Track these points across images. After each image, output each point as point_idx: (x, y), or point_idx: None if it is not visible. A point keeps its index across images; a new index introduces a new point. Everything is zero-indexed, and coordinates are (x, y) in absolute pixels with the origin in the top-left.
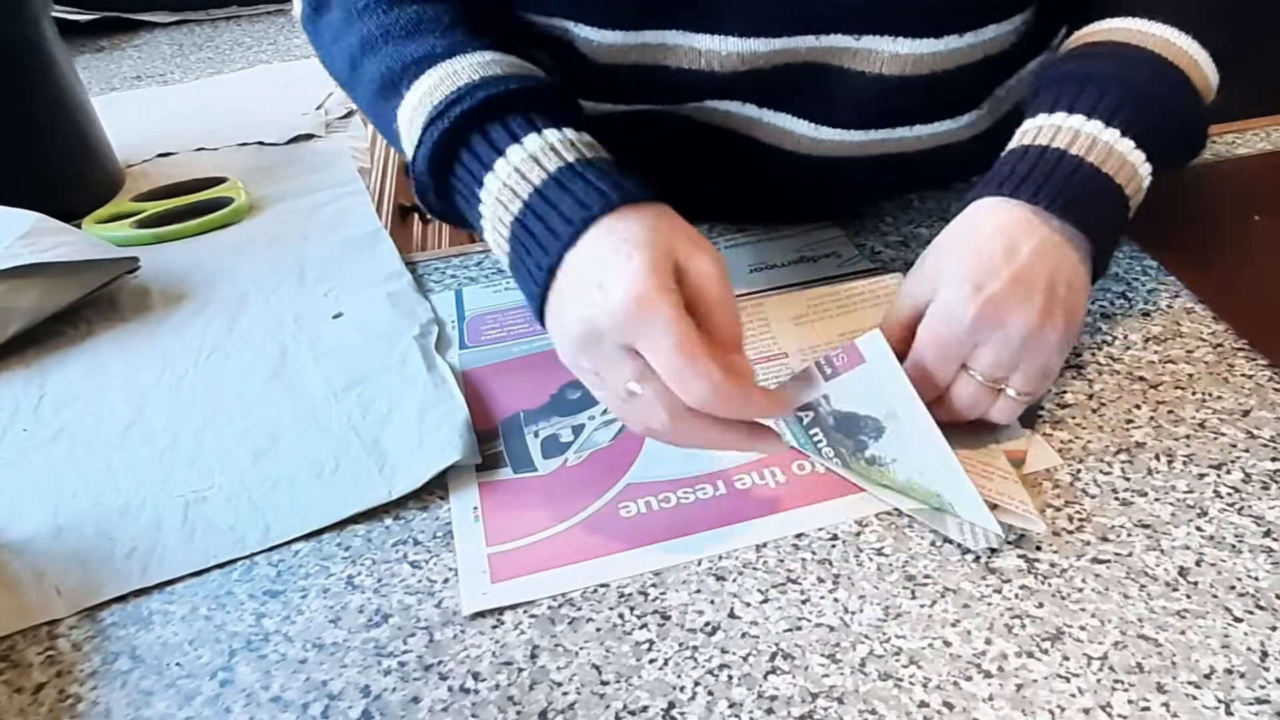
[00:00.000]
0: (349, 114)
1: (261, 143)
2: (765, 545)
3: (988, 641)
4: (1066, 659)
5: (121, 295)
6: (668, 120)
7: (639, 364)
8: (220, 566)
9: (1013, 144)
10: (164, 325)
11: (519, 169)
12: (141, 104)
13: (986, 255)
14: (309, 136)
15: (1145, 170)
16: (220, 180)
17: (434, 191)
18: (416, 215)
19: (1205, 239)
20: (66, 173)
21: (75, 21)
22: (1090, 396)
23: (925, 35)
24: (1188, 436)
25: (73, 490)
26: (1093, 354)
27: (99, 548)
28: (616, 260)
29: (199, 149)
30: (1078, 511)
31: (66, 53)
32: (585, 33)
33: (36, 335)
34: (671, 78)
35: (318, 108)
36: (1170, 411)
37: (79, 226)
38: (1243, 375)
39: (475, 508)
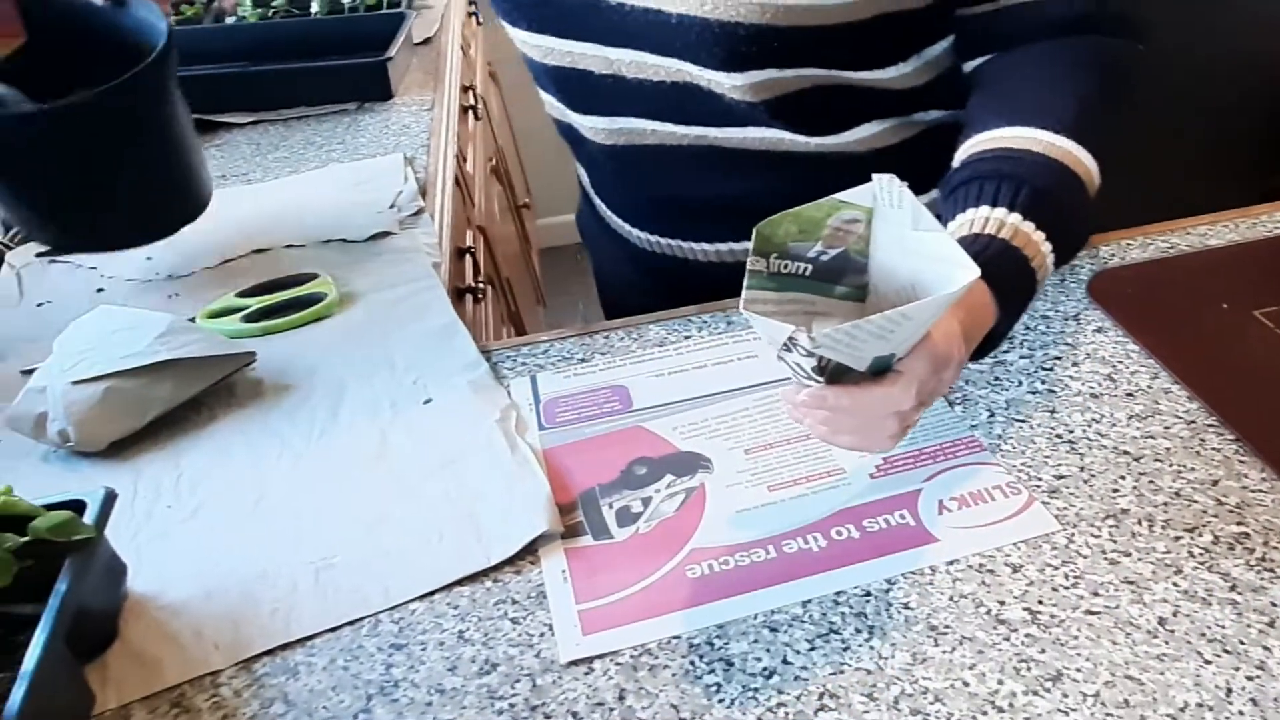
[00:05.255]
0: (419, 211)
1: (344, 240)
2: (810, 601)
3: (1000, 682)
4: (1065, 696)
5: (239, 384)
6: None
7: None
8: (350, 624)
9: (960, 231)
10: (276, 411)
11: None
12: (231, 202)
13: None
14: (386, 234)
15: (1047, 248)
16: (312, 276)
17: None
18: (470, 295)
19: (1181, 324)
20: None
21: None
22: (1082, 469)
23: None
24: (1165, 504)
25: (215, 559)
26: (1084, 430)
27: (245, 608)
28: None
29: (289, 245)
30: (1073, 570)
31: None
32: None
33: (170, 421)
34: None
35: (391, 205)
36: (1151, 481)
37: (194, 319)
38: (1212, 449)
39: (563, 570)
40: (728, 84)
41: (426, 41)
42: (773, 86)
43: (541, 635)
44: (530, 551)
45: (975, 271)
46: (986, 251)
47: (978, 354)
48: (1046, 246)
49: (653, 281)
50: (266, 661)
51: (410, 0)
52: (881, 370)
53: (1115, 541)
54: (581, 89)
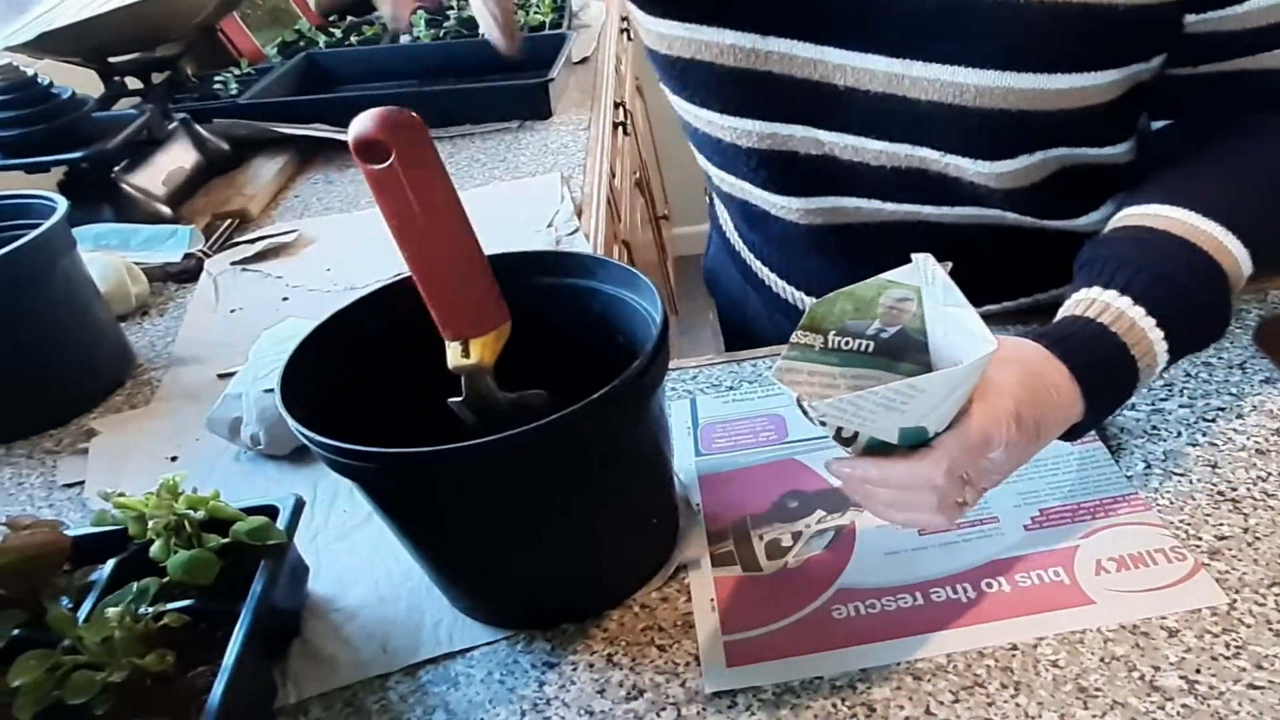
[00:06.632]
0: (574, 231)
1: None
2: (954, 652)
3: None
4: None
5: None
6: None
7: None
8: (507, 639)
9: (1064, 313)
10: None
11: None
12: None
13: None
14: None
15: (1157, 336)
16: None
17: None
18: None
19: None
20: None
21: None
22: (1246, 530)
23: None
24: None
25: (387, 565)
26: (1248, 489)
27: (412, 617)
28: None
29: None
30: (1234, 639)
31: None
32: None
33: None
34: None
35: (548, 225)
36: None
37: None
38: None
39: (711, 600)
40: (972, 170)
41: (584, 60)
42: (1022, 174)
43: (687, 665)
44: (678, 579)
45: (992, 345)
46: (1078, 335)
47: (1068, 436)
48: (1157, 334)
49: None
50: (430, 669)
51: (571, 20)
52: (918, 444)
53: None
54: (783, 171)
